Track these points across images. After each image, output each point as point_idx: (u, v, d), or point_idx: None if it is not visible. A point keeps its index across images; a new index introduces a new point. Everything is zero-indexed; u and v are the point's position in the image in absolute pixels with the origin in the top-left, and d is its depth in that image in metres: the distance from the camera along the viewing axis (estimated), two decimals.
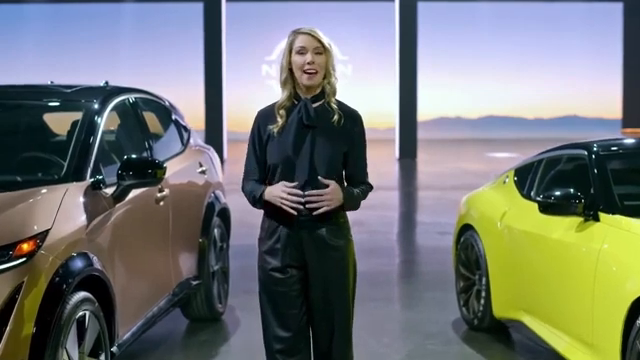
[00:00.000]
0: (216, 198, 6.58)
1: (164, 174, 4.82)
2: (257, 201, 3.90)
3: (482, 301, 6.09)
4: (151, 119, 6.16)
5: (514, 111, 28.70)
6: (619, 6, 24.72)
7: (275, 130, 3.87)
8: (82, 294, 4.13)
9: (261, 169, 3.92)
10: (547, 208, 5.03)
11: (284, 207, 3.78)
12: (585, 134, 26.59)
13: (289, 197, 3.78)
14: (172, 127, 6.42)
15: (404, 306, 7.32)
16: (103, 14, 26.16)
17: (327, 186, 3.81)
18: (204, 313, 6.39)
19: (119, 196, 4.70)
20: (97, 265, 4.30)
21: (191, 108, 23.68)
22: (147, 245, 5.19)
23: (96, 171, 4.63)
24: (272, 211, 3.87)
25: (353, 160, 3.93)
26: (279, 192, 3.81)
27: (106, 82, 6.08)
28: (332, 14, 25.30)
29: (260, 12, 25.48)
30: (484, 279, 6.07)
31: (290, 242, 3.86)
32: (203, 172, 6.48)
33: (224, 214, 6.72)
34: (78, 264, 4.15)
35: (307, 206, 3.79)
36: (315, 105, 3.89)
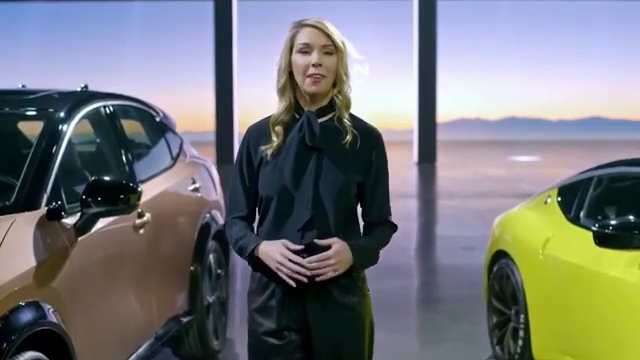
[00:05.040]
0: (212, 218, 5.73)
1: (139, 199, 3.96)
2: (245, 257, 2.99)
3: (520, 341, 5.21)
4: (136, 130, 5.35)
5: (536, 112, 27.88)
6: None
7: (269, 152, 2.97)
8: (30, 355, 3.27)
9: (250, 203, 3.04)
10: (604, 240, 4.17)
11: (281, 275, 2.89)
12: (610, 136, 25.73)
13: (288, 264, 2.87)
14: (160, 138, 5.58)
15: (425, 341, 6.39)
16: (110, 13, 25.45)
17: (329, 247, 2.91)
18: (197, 352, 5.54)
19: (83, 227, 3.82)
20: (52, 317, 3.44)
21: (201, 110, 22.99)
22: (121, 284, 4.32)
23: (55, 196, 3.77)
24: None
25: (370, 194, 3.02)
26: (276, 254, 2.89)
27: (85, 85, 5.26)
28: (348, 12, 24.52)
29: (273, 10, 24.70)
30: (522, 316, 5.20)
31: (289, 298, 2.95)
32: (196, 190, 5.63)
33: (222, 236, 5.85)
34: (24, 317, 3.28)
35: (310, 273, 2.89)
36: (321, 120, 2.98)
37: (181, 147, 5.79)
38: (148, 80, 25.27)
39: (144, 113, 5.48)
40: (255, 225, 3.08)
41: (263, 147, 2.98)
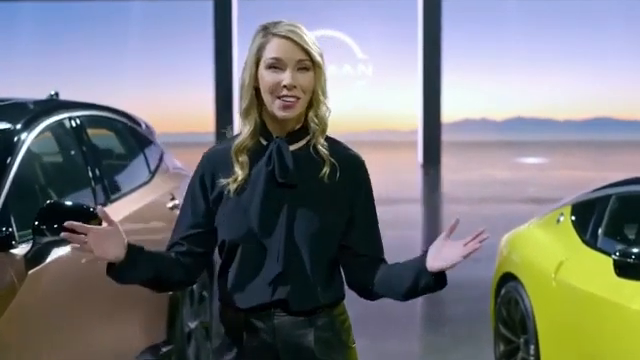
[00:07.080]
0: None
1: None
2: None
3: None
4: (111, 142, 4.91)
5: (543, 112, 27.36)
6: None
7: (232, 188, 2.42)
8: None
9: (194, 242, 2.47)
10: (625, 270, 3.73)
11: None
12: (618, 137, 25.23)
13: None
14: (136, 151, 5.13)
15: None
16: (109, 12, 25.07)
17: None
18: None
19: (35, 258, 3.38)
20: None
21: (201, 111, 22.58)
22: (85, 319, 3.85)
23: (3, 222, 3.33)
24: (230, 303, 2.47)
25: (359, 232, 2.49)
26: None
27: (55, 93, 4.82)
28: (351, 10, 24.09)
29: (273, 10, 24.25)
30: (532, 346, 4.74)
31: (260, 356, 2.45)
32: (176, 206, 5.17)
33: None
34: None
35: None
36: (294, 148, 2.45)
37: (161, 159, 5.35)
38: (147, 80, 24.87)
39: (118, 124, 5.04)
40: (215, 273, 2.59)
41: (223, 180, 2.44)
